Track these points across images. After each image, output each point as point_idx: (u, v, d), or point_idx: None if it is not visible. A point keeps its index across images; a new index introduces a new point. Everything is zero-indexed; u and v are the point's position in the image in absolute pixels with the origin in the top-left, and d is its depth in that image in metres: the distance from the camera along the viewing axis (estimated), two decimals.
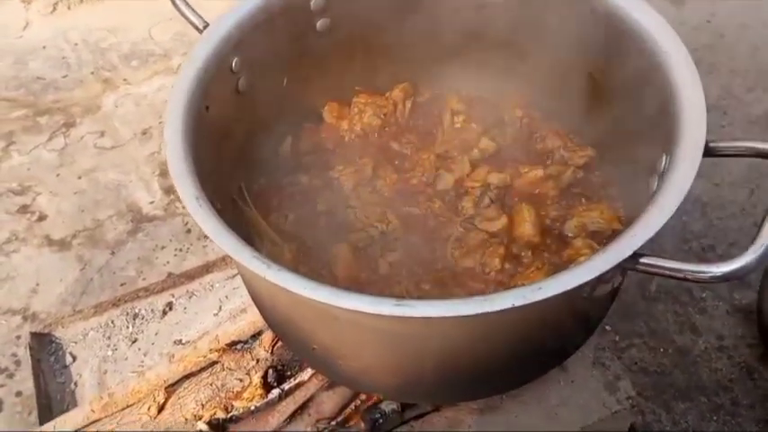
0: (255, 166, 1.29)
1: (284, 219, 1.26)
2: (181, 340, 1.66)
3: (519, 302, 0.78)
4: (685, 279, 0.79)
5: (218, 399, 1.33)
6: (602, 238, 1.20)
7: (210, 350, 1.38)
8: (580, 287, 0.80)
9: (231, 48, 1.16)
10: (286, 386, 1.35)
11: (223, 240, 0.87)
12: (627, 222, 1.21)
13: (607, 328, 1.73)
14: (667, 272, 0.80)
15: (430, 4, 1.36)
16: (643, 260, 0.82)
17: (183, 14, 1.18)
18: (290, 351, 1.31)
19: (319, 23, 1.32)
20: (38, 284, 1.94)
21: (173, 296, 1.75)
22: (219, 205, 1.04)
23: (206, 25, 1.17)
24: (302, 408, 1.33)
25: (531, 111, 1.41)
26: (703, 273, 0.78)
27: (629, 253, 0.81)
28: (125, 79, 2.58)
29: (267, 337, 1.38)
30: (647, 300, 1.82)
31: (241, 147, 1.24)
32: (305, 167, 1.35)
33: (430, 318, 0.78)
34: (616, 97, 1.23)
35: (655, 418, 1.62)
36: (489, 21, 1.35)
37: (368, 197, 1.28)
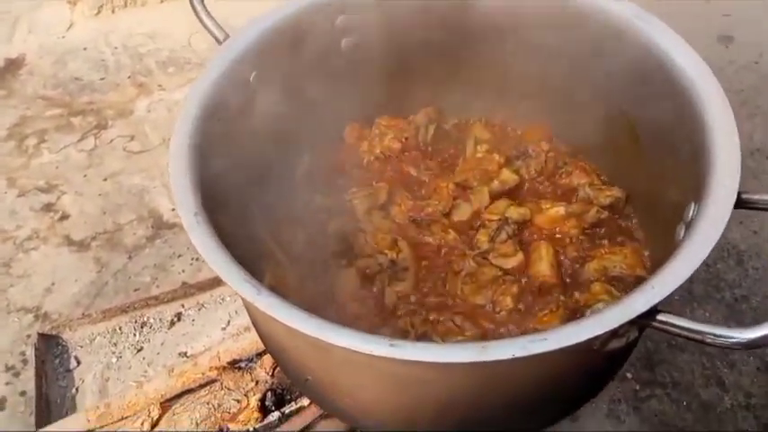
0: (269, 182, 1.26)
1: (293, 238, 1.23)
2: (186, 353, 1.63)
3: (520, 353, 0.72)
4: (704, 342, 0.72)
5: (213, 418, 1.30)
6: (624, 285, 1.13)
7: (211, 367, 1.35)
8: (588, 341, 0.74)
9: (250, 61, 1.14)
10: (286, 410, 1.32)
11: (214, 260, 0.83)
12: (652, 270, 1.14)
13: (628, 375, 1.64)
14: (685, 332, 0.74)
15: (460, 30, 1.32)
16: (660, 317, 0.76)
17: (204, 25, 1.16)
18: None
19: (344, 42, 1.30)
20: (53, 284, 1.93)
21: (183, 306, 1.72)
22: (225, 220, 1.01)
23: (226, 37, 1.15)
24: None
25: (557, 144, 1.36)
26: (725, 338, 0.71)
27: (644, 308, 0.75)
28: (160, 85, 2.59)
29: (269, 358, 1.34)
30: (673, 348, 1.72)
31: (255, 162, 1.21)
32: (320, 187, 1.31)
33: (424, 362, 0.73)
34: (648, 137, 1.17)
35: None
36: (520, 52, 1.30)
37: (380, 222, 1.24)
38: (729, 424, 1.60)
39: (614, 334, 0.77)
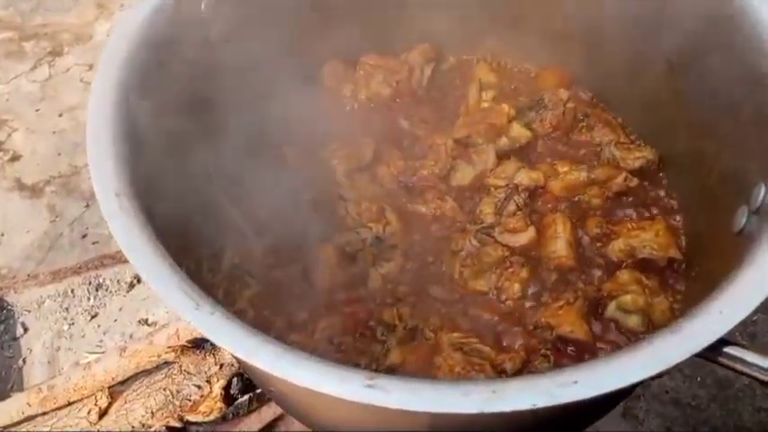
0: (228, 135, 1.04)
1: (259, 206, 1.02)
2: (147, 320, 1.46)
3: (543, 402, 0.54)
4: None
5: (171, 407, 1.13)
6: (655, 270, 0.94)
7: (168, 348, 1.17)
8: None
9: None
10: (258, 390, 1.15)
11: (141, 259, 0.63)
12: (689, 251, 0.95)
13: None
14: (763, 375, 0.55)
15: None
16: (729, 350, 0.57)
17: None
18: None
19: None
20: (2, 234, 1.74)
21: None
22: (172, 186, 0.81)
23: None
24: (270, 426, 1.13)
25: (579, 92, 1.14)
26: None
27: (711, 340, 0.56)
28: (122, 5, 2.31)
29: None
30: None
31: (209, 111, 0.99)
32: (292, 141, 1.10)
33: (413, 412, 0.54)
34: (694, 87, 0.96)
35: None
36: None
37: (364, 187, 1.04)
38: (746, 402, 1.46)
39: None
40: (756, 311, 1.62)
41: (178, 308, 0.60)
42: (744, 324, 1.56)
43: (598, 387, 0.54)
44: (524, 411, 0.56)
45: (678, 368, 1.51)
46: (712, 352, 0.57)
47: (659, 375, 0.62)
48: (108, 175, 0.69)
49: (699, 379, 1.50)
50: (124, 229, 0.66)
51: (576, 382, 0.54)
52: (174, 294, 0.61)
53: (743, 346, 0.58)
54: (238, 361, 0.95)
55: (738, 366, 0.57)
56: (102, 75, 0.78)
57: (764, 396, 1.47)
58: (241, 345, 0.57)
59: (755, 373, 0.56)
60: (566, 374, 0.55)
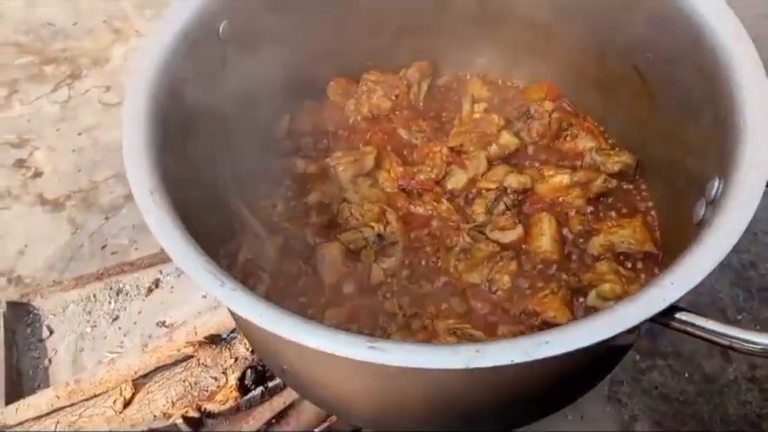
0: (245, 145, 1.14)
1: (272, 208, 1.12)
2: (164, 322, 1.55)
3: (520, 359, 0.63)
4: (731, 348, 0.63)
5: (189, 397, 1.22)
6: (632, 262, 1.03)
7: (187, 343, 1.26)
8: (596, 343, 0.64)
9: (219, 9, 1.01)
10: (270, 384, 1.24)
11: (173, 246, 0.73)
12: (664, 246, 1.04)
13: None
14: (708, 335, 0.65)
15: None
16: (680, 316, 0.66)
17: None
18: None
19: None
20: (26, 246, 1.84)
21: (161, 272, 1.63)
22: (193, 190, 0.91)
23: None
24: (281, 415, 1.22)
25: (562, 104, 1.24)
26: (755, 344, 0.62)
27: (661, 307, 0.65)
28: (137, 30, 2.43)
29: None
30: None
31: (227, 126, 1.09)
32: (301, 151, 1.20)
33: (409, 368, 0.63)
34: (664, 97, 1.06)
35: None
36: None
37: (367, 191, 1.13)
38: (731, 396, 1.54)
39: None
40: (741, 311, 1.69)
41: (206, 286, 0.70)
42: (728, 323, 1.64)
43: (566, 345, 0.63)
44: (514, 373, 0.65)
45: (667, 365, 1.59)
46: (666, 317, 0.66)
47: (623, 348, 0.71)
48: (143, 176, 0.79)
49: (686, 375, 1.57)
50: (158, 220, 0.75)
51: (547, 342, 0.64)
52: (203, 275, 0.71)
53: (694, 313, 0.67)
54: (252, 344, 1.04)
55: (689, 329, 0.66)
56: (133, 94, 0.88)
57: (749, 390, 1.55)
58: (263, 315, 0.67)
59: (701, 334, 0.65)
60: (540, 336, 0.65)
